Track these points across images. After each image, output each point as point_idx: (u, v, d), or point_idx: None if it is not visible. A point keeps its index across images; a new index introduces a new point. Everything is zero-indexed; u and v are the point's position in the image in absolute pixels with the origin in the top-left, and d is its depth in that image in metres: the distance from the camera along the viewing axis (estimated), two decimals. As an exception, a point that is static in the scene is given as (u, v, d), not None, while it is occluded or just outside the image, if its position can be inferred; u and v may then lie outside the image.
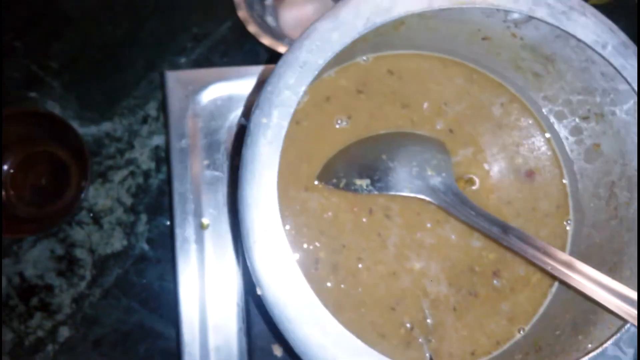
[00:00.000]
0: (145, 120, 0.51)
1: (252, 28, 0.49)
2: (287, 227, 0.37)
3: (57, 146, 0.48)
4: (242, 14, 0.49)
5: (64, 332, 0.47)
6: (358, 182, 0.36)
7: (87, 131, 0.50)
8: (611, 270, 0.34)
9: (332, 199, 0.38)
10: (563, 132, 0.39)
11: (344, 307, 0.37)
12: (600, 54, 0.30)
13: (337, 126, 0.39)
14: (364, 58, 0.39)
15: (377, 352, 0.29)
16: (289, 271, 0.27)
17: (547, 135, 0.40)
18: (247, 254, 0.26)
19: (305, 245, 0.37)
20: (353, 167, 0.37)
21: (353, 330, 0.37)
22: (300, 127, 0.38)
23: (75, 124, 0.50)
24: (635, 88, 0.30)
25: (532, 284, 0.38)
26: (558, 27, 0.30)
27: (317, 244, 0.37)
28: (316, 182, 0.37)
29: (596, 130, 0.36)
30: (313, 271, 0.37)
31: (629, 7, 0.61)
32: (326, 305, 0.37)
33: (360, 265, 0.37)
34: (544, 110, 0.39)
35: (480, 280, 0.38)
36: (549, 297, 0.38)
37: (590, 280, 0.30)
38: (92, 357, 0.47)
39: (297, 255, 0.36)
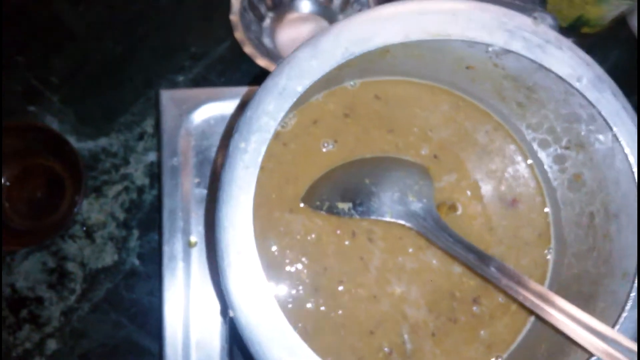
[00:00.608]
0: (141, 136, 0.52)
1: (248, 49, 0.50)
2: (274, 247, 0.38)
3: (53, 160, 0.49)
4: (238, 35, 0.51)
5: (52, 345, 0.48)
6: (340, 205, 0.37)
7: (83, 146, 0.51)
8: (587, 302, 0.34)
9: (316, 221, 0.38)
10: (546, 161, 0.39)
11: (324, 329, 0.37)
12: (575, 88, 0.30)
13: (324, 149, 0.39)
14: (352, 83, 0.40)
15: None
16: (261, 295, 0.27)
17: (530, 162, 0.41)
18: (220, 275, 0.27)
19: (287, 267, 0.38)
20: (336, 190, 0.38)
21: (332, 353, 0.37)
22: (287, 149, 0.39)
23: (72, 139, 0.51)
24: (610, 122, 0.30)
25: (511, 312, 0.39)
26: (534, 61, 0.30)
27: (300, 266, 0.38)
28: (302, 205, 0.38)
29: (578, 161, 0.36)
30: (294, 293, 0.37)
31: (622, 37, 0.62)
32: (305, 327, 0.37)
33: (341, 288, 0.38)
34: (528, 138, 0.40)
35: (460, 307, 0.39)
36: (528, 326, 0.38)
37: (563, 313, 0.30)
38: (79, 371, 0.48)
39: (274, 278, 0.37)
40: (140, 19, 0.55)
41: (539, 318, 0.37)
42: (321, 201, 0.37)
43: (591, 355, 0.29)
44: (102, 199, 0.50)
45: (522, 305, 0.39)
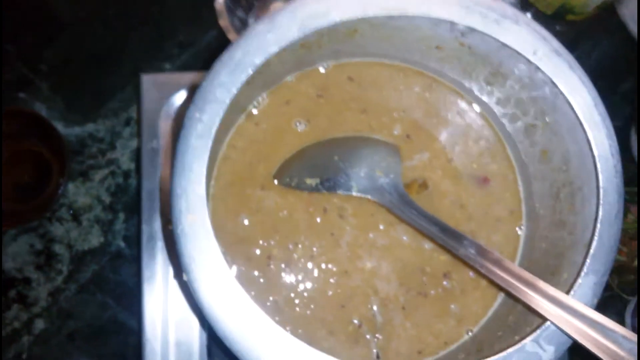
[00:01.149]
0: (128, 122, 0.53)
1: (232, 36, 0.51)
2: (245, 222, 0.38)
3: (41, 145, 0.50)
4: (223, 22, 0.52)
5: (40, 325, 0.49)
6: (308, 180, 0.37)
7: (71, 132, 0.52)
8: (552, 274, 0.34)
9: (287, 198, 0.39)
10: (517, 137, 0.39)
11: (294, 303, 0.37)
12: (531, 61, 0.30)
13: (297, 129, 0.40)
14: (325, 64, 0.41)
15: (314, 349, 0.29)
16: (214, 260, 0.28)
17: (503, 141, 0.41)
18: (175, 240, 0.27)
19: (260, 242, 0.38)
20: (306, 167, 0.38)
21: (302, 326, 0.38)
22: (258, 129, 0.40)
23: (59, 125, 0.52)
24: (566, 94, 0.30)
25: (482, 287, 0.39)
26: (490, 36, 0.31)
27: (272, 242, 0.38)
28: (275, 181, 0.39)
29: (544, 136, 0.36)
30: (266, 268, 0.38)
31: (611, 25, 0.61)
32: (276, 301, 0.38)
33: (311, 264, 0.38)
34: (498, 114, 0.40)
35: (431, 281, 0.39)
36: (499, 300, 0.38)
37: (520, 281, 0.30)
38: (66, 350, 0.49)
39: (245, 253, 0.37)
40: (129, 8, 0.56)
41: (503, 292, 0.37)
42: (290, 177, 0.38)
43: (545, 320, 0.29)
44: (88, 183, 0.52)
45: (492, 281, 0.39)
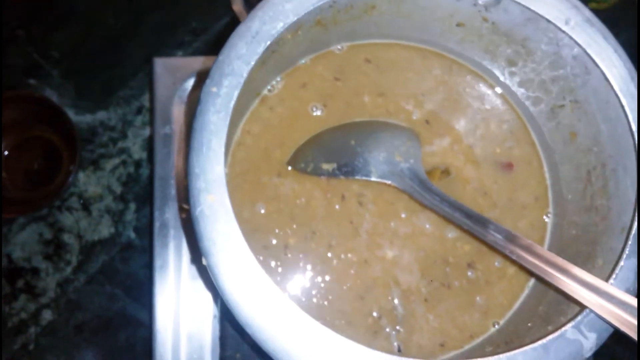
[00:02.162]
0: (139, 110, 0.51)
1: (244, 23, 0.49)
2: (262, 211, 0.36)
3: (51, 132, 0.48)
4: (236, 7, 0.49)
5: (47, 316, 0.47)
6: (325, 166, 0.35)
7: (82, 119, 0.51)
8: (585, 261, 0.31)
9: (305, 185, 0.37)
10: (541, 120, 0.37)
11: (312, 293, 0.35)
12: (563, 31, 0.28)
13: (313, 113, 0.38)
14: (339, 47, 0.38)
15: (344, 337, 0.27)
16: (234, 242, 0.26)
17: (526, 124, 0.39)
18: (193, 223, 0.26)
19: (277, 230, 0.36)
20: (322, 151, 0.36)
21: (320, 317, 0.36)
22: (274, 113, 0.38)
23: (70, 112, 0.50)
24: (602, 66, 0.28)
25: (508, 277, 0.36)
26: (519, 3, 0.28)
27: (288, 230, 0.36)
28: (289, 168, 0.37)
29: (572, 118, 0.34)
30: (282, 257, 0.36)
31: (634, 16, 0.59)
32: (293, 291, 0.36)
33: (330, 253, 0.36)
34: (521, 97, 0.38)
35: (454, 272, 0.37)
36: (526, 291, 0.36)
37: (556, 269, 0.28)
38: (74, 342, 0.47)
39: (262, 242, 0.35)
40: (140, -4, 0.54)
41: (539, 279, 0.35)
42: (306, 163, 0.36)
43: (584, 308, 0.27)
44: (99, 172, 0.50)
45: (519, 270, 0.37)
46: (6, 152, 0.48)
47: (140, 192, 0.50)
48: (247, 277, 0.25)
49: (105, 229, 0.49)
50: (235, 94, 0.26)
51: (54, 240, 0.48)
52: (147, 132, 0.51)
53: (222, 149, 0.25)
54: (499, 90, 0.39)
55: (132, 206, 0.50)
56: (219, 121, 0.26)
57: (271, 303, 0.25)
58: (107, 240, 0.49)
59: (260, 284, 0.25)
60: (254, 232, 0.36)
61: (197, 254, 0.26)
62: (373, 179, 0.35)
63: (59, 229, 0.48)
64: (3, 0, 0.51)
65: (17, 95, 0.46)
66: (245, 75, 0.26)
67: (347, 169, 0.35)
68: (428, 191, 0.33)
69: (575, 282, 0.27)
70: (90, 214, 0.49)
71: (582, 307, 0.28)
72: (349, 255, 0.36)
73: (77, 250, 0.48)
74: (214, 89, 0.26)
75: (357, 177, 0.35)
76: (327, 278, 0.36)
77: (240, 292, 0.25)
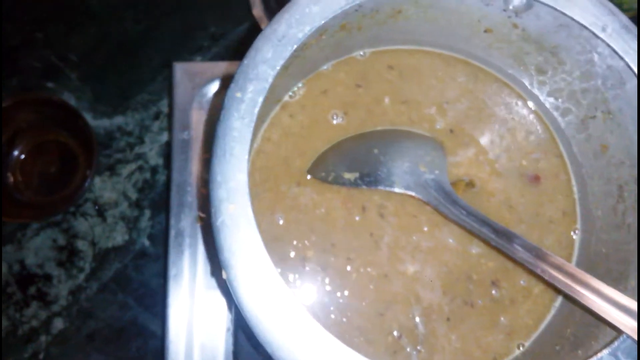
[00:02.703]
0: (157, 116, 0.51)
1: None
2: (280, 221, 0.35)
3: (68, 136, 0.48)
4: (256, 12, 0.49)
5: (58, 324, 0.46)
6: (347, 175, 0.34)
7: (99, 124, 0.50)
8: (616, 281, 0.30)
9: (325, 195, 0.36)
10: (570, 131, 0.35)
11: (330, 309, 0.34)
12: (600, 38, 0.27)
13: (333, 121, 0.37)
14: (361, 53, 0.37)
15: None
16: (257, 255, 0.24)
17: (554, 136, 0.37)
18: (214, 234, 0.24)
19: (294, 242, 0.35)
20: (344, 160, 0.35)
21: (338, 334, 0.34)
22: (294, 121, 0.37)
23: (88, 116, 0.50)
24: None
25: (534, 296, 0.35)
26: (555, 9, 0.27)
27: (307, 242, 0.35)
28: (308, 176, 0.36)
29: (603, 129, 0.32)
30: (300, 269, 0.34)
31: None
32: (311, 306, 0.34)
33: (349, 267, 0.35)
34: (549, 107, 0.36)
35: (478, 290, 0.35)
36: (552, 312, 0.34)
37: (589, 289, 0.26)
38: (85, 351, 0.46)
39: (280, 253, 0.34)
40: (159, -1, 0.54)
41: (567, 299, 0.33)
42: (327, 172, 0.35)
43: (620, 333, 0.25)
44: (115, 178, 0.49)
45: (545, 289, 0.35)
46: (22, 156, 0.47)
47: (155, 198, 0.49)
48: (268, 292, 0.24)
49: (120, 236, 0.48)
50: (260, 99, 0.25)
51: (67, 246, 0.47)
52: (164, 137, 0.50)
53: (246, 157, 0.24)
54: (526, 99, 0.37)
55: (147, 213, 0.49)
56: (242, 127, 0.24)
57: (292, 320, 0.24)
58: (121, 247, 0.48)
59: (282, 300, 0.24)
60: (272, 243, 0.35)
61: (216, 265, 0.24)
62: (396, 190, 0.34)
63: (73, 235, 0.47)
64: (23, 4, 0.51)
65: (34, 98, 0.45)
66: (270, 80, 0.25)
67: (370, 179, 0.34)
68: (454, 204, 0.32)
69: (611, 305, 0.26)
70: (105, 220, 0.48)
71: (618, 331, 0.26)
72: (369, 269, 0.35)
73: (91, 257, 0.47)
74: (238, 94, 0.25)
75: (379, 188, 0.34)
76: (346, 293, 0.34)
77: (261, 308, 0.24)
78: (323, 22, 0.25)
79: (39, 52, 0.51)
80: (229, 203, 0.24)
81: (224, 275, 0.24)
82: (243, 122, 0.24)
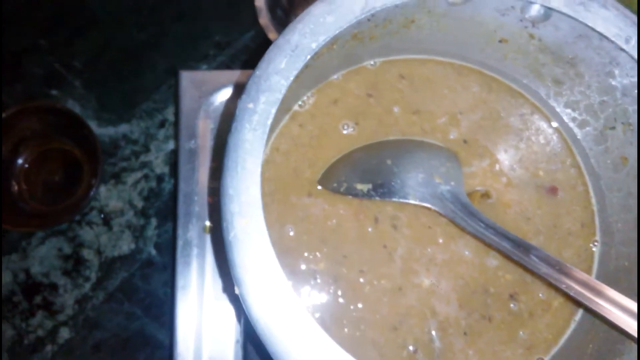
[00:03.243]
0: (162, 124, 0.50)
1: (272, 35, 0.47)
2: (291, 233, 0.34)
3: (72, 144, 0.47)
4: (263, 20, 0.48)
5: (64, 334, 0.45)
6: (359, 186, 0.33)
7: (104, 132, 0.49)
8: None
9: (336, 206, 0.34)
10: (587, 143, 0.34)
11: (343, 322, 0.33)
12: (623, 49, 0.26)
13: (344, 131, 0.36)
14: (372, 62, 0.36)
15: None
16: (270, 271, 0.23)
17: (571, 147, 0.36)
18: (226, 249, 0.23)
19: (305, 254, 0.34)
20: (356, 171, 0.34)
21: (351, 348, 0.33)
22: (304, 131, 0.36)
23: (93, 124, 0.49)
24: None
25: (553, 309, 0.34)
26: (575, 19, 0.26)
27: (318, 254, 0.34)
28: (319, 187, 0.34)
29: (623, 141, 0.31)
30: (312, 282, 0.33)
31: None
32: (323, 319, 0.33)
33: (362, 279, 0.33)
34: (565, 119, 0.35)
35: (495, 303, 0.34)
36: (572, 326, 0.33)
37: (614, 305, 0.25)
38: (91, 361, 0.45)
39: (291, 265, 0.33)
40: (165, 5, 0.52)
41: (588, 312, 0.32)
42: (339, 182, 0.34)
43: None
44: (120, 186, 0.48)
45: (565, 302, 0.34)
46: (26, 165, 0.46)
47: (161, 207, 0.48)
48: (281, 307, 0.23)
49: (126, 245, 0.47)
50: (273, 110, 0.24)
51: (73, 255, 0.46)
52: (169, 146, 0.49)
53: (259, 169, 0.23)
54: (542, 110, 0.36)
55: (154, 222, 0.48)
56: (255, 139, 0.23)
57: (305, 335, 0.23)
58: (127, 256, 0.47)
59: (295, 315, 0.23)
60: (283, 256, 0.33)
61: (228, 280, 0.23)
62: (411, 201, 0.33)
63: (79, 244, 0.46)
64: (26, 11, 0.50)
65: (37, 106, 0.44)
66: (283, 91, 0.24)
67: (384, 190, 0.33)
68: (471, 216, 0.31)
69: (634, 319, 0.25)
70: (110, 229, 0.47)
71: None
72: (382, 281, 0.33)
73: (97, 267, 0.46)
74: (251, 105, 0.24)
75: (394, 199, 0.33)
76: (359, 306, 0.33)
77: (274, 323, 0.23)
78: (338, 32, 0.24)
79: (42, 59, 0.50)
80: (242, 217, 0.23)
81: (237, 291, 0.23)
82: (255, 134, 0.23)
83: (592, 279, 0.27)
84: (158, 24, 0.52)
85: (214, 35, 0.52)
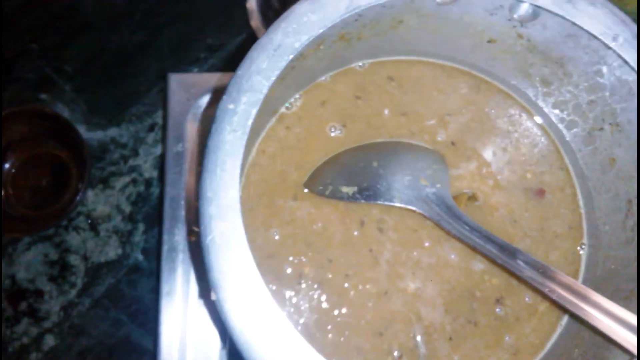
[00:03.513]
0: (152, 128, 0.49)
1: (262, 39, 0.47)
2: (276, 237, 0.34)
3: (60, 149, 0.46)
4: (254, 23, 0.47)
5: (49, 341, 0.44)
6: (345, 189, 0.33)
7: (93, 136, 0.48)
8: (627, 300, 0.28)
9: (322, 209, 0.34)
10: (576, 144, 0.34)
11: (327, 327, 0.32)
12: (610, 47, 0.25)
13: (331, 134, 0.35)
14: (360, 64, 0.36)
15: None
16: (248, 276, 0.23)
17: (560, 149, 0.36)
18: (203, 253, 0.23)
19: (290, 258, 0.33)
20: (342, 173, 0.33)
21: (335, 355, 0.33)
22: (291, 133, 0.35)
23: (82, 128, 0.48)
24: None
25: (539, 314, 0.33)
26: (563, 17, 0.26)
27: (303, 258, 0.33)
28: (305, 190, 0.34)
29: (611, 142, 0.31)
30: (296, 286, 0.33)
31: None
32: (307, 325, 0.33)
33: (347, 284, 0.33)
34: (554, 120, 0.35)
35: (481, 308, 0.33)
36: (559, 330, 0.33)
37: (600, 310, 0.25)
38: (76, 369, 0.44)
39: (275, 269, 0.32)
40: (157, 9, 0.52)
41: (573, 318, 0.31)
42: (324, 185, 0.33)
43: (633, 356, 0.24)
44: (108, 191, 0.47)
45: (551, 306, 0.33)
46: (13, 170, 0.46)
47: (149, 212, 0.47)
48: (260, 315, 0.22)
49: (112, 251, 0.46)
50: (254, 111, 0.23)
51: (59, 261, 0.46)
52: (158, 150, 0.49)
53: (238, 171, 0.23)
54: (530, 111, 0.36)
55: (141, 227, 0.47)
56: (235, 141, 0.23)
57: (285, 344, 0.22)
58: (114, 262, 0.46)
59: (274, 323, 0.22)
60: (267, 260, 0.33)
61: (205, 286, 0.23)
62: (396, 204, 0.32)
63: (65, 250, 0.46)
64: (17, 14, 0.50)
65: (26, 110, 0.44)
66: (265, 91, 0.23)
67: (369, 192, 0.32)
68: (457, 219, 0.30)
69: (621, 326, 0.24)
70: (97, 234, 0.46)
71: (630, 354, 0.24)
72: (368, 286, 0.33)
73: (83, 272, 0.45)
74: (231, 106, 0.23)
75: (379, 202, 0.32)
76: (344, 311, 0.32)
77: (252, 332, 0.22)
78: (321, 31, 0.24)
79: (33, 63, 0.49)
80: (220, 220, 0.22)
81: (213, 297, 0.22)
82: (235, 135, 0.23)
83: (579, 284, 0.26)
84: (150, 27, 0.52)
85: (207, 39, 0.52)
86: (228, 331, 0.22)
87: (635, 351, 0.24)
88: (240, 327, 0.22)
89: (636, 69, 0.25)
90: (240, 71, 0.24)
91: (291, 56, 0.24)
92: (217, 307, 0.22)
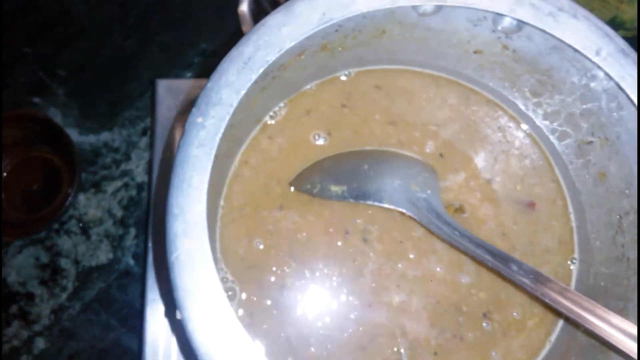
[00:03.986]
0: (144, 132, 0.49)
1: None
2: (261, 247, 0.33)
3: (52, 152, 0.46)
4: (246, 28, 0.47)
5: (40, 344, 0.44)
6: (334, 187, 0.32)
7: (85, 140, 0.48)
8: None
9: (307, 219, 0.33)
10: (567, 156, 0.33)
11: (309, 342, 0.32)
12: (594, 62, 0.24)
13: (316, 142, 0.35)
14: (346, 72, 0.35)
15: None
16: (214, 296, 0.22)
17: (550, 161, 0.34)
18: (168, 270, 0.22)
19: (273, 269, 0.33)
20: (331, 173, 0.32)
21: (317, 368, 0.32)
22: (273, 143, 0.34)
23: (74, 132, 0.48)
24: (636, 101, 0.24)
25: (528, 330, 0.32)
26: (544, 31, 0.25)
27: (286, 269, 0.33)
28: (291, 189, 0.33)
29: (601, 156, 0.30)
30: (278, 298, 0.32)
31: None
32: (288, 338, 0.32)
33: (330, 295, 0.32)
34: (545, 131, 0.33)
35: (468, 322, 0.32)
36: (548, 346, 0.31)
37: (594, 315, 0.24)
38: (66, 372, 0.44)
39: (257, 281, 0.32)
40: (151, 14, 0.52)
41: (562, 334, 0.30)
42: (312, 184, 0.32)
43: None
44: (100, 195, 0.47)
45: (541, 322, 0.32)
46: (5, 174, 0.46)
47: (141, 216, 0.47)
48: (226, 336, 0.21)
49: (104, 255, 0.46)
50: (223, 125, 0.22)
51: (50, 264, 0.45)
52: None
53: (205, 187, 0.22)
54: (520, 122, 0.35)
55: (132, 231, 0.47)
56: (202, 155, 0.22)
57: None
58: (105, 266, 0.46)
59: (239, 345, 0.21)
60: (249, 270, 0.32)
61: (171, 305, 0.22)
62: (386, 205, 0.31)
63: (56, 253, 0.46)
64: (11, 20, 0.49)
65: (18, 114, 0.44)
66: (234, 104, 0.23)
67: (358, 192, 0.31)
68: (446, 225, 0.29)
69: (617, 331, 0.23)
70: (89, 238, 0.46)
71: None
72: (351, 298, 0.32)
73: (74, 276, 0.45)
74: (199, 120, 0.23)
75: (368, 202, 0.31)
76: (327, 323, 0.32)
77: (217, 352, 0.21)
78: (293, 44, 0.23)
79: (26, 67, 0.49)
80: (186, 237, 0.22)
81: (179, 316, 0.22)
82: (203, 149, 0.22)
83: (572, 290, 0.25)
84: (143, 32, 0.51)
85: (200, 44, 0.51)
86: (193, 351, 0.21)
87: (627, 351, 0.23)
88: (206, 347, 0.21)
89: (620, 83, 0.24)
90: (210, 84, 0.23)
91: (262, 69, 0.23)
92: (181, 326, 0.22)
